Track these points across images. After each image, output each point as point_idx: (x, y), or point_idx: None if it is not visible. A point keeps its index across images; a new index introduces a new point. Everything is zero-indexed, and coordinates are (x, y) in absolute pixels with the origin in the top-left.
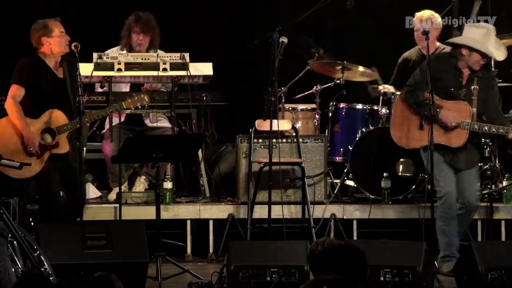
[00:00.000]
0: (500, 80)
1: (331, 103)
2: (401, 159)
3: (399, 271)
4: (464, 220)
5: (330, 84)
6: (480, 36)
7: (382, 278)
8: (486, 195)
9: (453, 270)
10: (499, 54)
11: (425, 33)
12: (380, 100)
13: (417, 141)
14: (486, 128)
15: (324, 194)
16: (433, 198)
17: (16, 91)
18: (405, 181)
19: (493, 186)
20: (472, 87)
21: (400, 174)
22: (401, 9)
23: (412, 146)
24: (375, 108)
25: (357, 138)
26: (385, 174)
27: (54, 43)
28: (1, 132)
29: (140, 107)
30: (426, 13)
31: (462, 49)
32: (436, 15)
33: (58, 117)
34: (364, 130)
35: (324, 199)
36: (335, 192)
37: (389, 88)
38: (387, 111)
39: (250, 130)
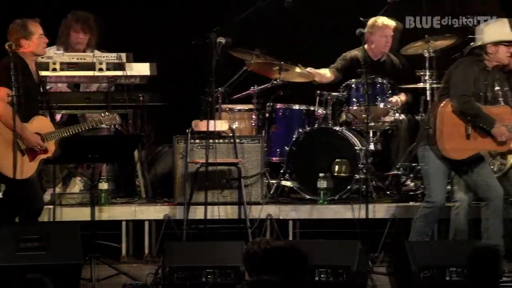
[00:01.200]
0: (436, 81)
1: (268, 104)
2: (337, 160)
3: (334, 270)
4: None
5: (267, 84)
6: (499, 28)
7: (317, 278)
8: None
9: (387, 269)
10: None
11: (361, 34)
12: (317, 101)
13: (469, 150)
14: None
15: (261, 195)
16: (368, 198)
17: (4, 93)
18: (341, 181)
19: None
20: (495, 89)
21: (335, 174)
22: (348, 10)
23: (464, 156)
24: (312, 108)
25: (294, 139)
26: (321, 175)
27: (33, 46)
28: None
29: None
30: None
31: (487, 48)
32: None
33: (46, 123)
34: (301, 130)
35: (261, 200)
36: (272, 192)
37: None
38: (324, 111)
39: (187, 130)
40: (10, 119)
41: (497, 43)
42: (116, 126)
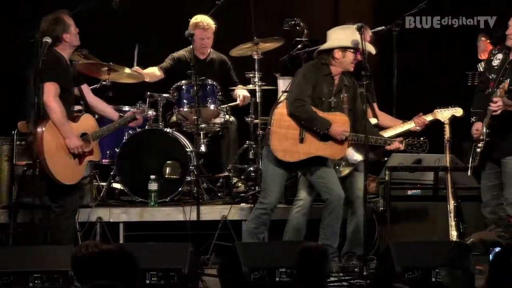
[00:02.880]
0: (265, 83)
1: None
2: (168, 162)
3: (165, 273)
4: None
5: (96, 85)
6: (347, 35)
7: (148, 281)
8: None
9: (218, 271)
10: (371, 48)
11: (190, 35)
12: (147, 102)
13: (301, 154)
14: (365, 139)
15: (91, 197)
16: (199, 200)
17: (55, 89)
18: (172, 184)
19: (257, 187)
20: (341, 95)
21: (167, 176)
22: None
23: (295, 159)
24: None
25: (124, 141)
26: (152, 177)
27: (71, 38)
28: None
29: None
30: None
31: (334, 52)
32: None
33: (91, 121)
34: (131, 132)
35: (90, 203)
36: (102, 195)
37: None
38: (154, 113)
39: (13, 132)
40: (63, 118)
41: (344, 49)
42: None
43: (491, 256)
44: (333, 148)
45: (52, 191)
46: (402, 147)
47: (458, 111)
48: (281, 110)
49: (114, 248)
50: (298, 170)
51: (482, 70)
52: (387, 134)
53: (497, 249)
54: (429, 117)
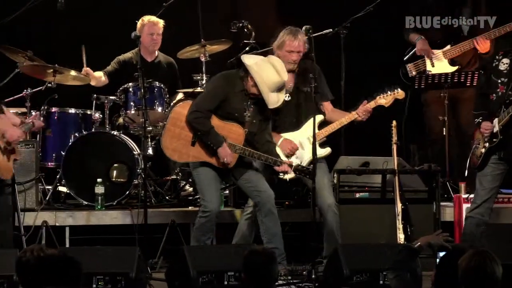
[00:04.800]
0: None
1: (43, 107)
2: (115, 165)
3: (112, 277)
4: None
5: (41, 87)
6: (272, 81)
7: (94, 286)
8: None
9: (166, 275)
10: (273, 101)
11: (137, 37)
12: (93, 105)
13: (190, 156)
14: (255, 156)
15: (36, 201)
16: (146, 203)
17: None
18: (119, 187)
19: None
20: (251, 107)
21: (113, 179)
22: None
23: (183, 160)
24: (89, 112)
25: (70, 143)
26: (98, 180)
27: None
28: None
29: None
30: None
31: (250, 77)
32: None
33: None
34: (77, 135)
35: (36, 206)
36: (47, 198)
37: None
38: (100, 115)
39: None
40: None
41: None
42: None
43: (437, 260)
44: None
45: None
46: (290, 170)
47: (400, 94)
48: (179, 110)
49: (58, 252)
50: (224, 176)
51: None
52: (334, 128)
53: (443, 253)
54: (372, 105)
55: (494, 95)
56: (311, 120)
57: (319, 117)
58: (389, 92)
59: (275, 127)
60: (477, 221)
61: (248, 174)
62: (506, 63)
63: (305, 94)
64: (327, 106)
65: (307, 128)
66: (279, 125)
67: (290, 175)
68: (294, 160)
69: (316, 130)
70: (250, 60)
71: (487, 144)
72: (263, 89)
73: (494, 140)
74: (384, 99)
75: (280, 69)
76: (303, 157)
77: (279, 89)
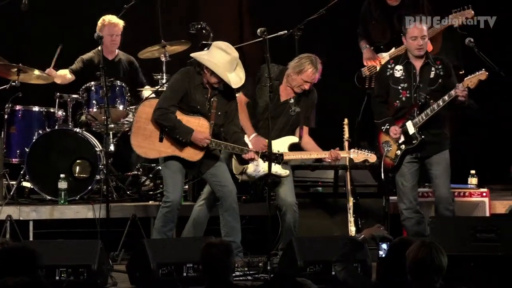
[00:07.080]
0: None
1: (7, 105)
2: (78, 161)
3: (74, 270)
4: None
5: (5, 86)
6: (224, 61)
7: (57, 278)
8: None
9: (127, 267)
10: (236, 81)
11: (99, 37)
12: (56, 103)
13: (159, 152)
14: (222, 146)
15: (0, 196)
16: (108, 198)
17: None
18: (82, 182)
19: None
20: (212, 99)
21: (76, 175)
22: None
23: (154, 156)
24: (52, 110)
25: (34, 140)
26: (61, 176)
27: None
28: None
29: None
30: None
31: (204, 68)
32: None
33: None
34: (40, 132)
35: (0, 201)
36: (12, 193)
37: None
38: (63, 113)
39: None
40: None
41: (213, 72)
42: None
43: (380, 251)
44: (189, 151)
45: None
46: (257, 158)
47: (372, 157)
48: (145, 108)
49: (17, 245)
50: (191, 169)
51: (365, 76)
52: (303, 156)
53: (388, 244)
54: (343, 154)
55: (397, 102)
56: (288, 138)
57: (294, 139)
58: (363, 152)
59: (259, 128)
60: (417, 219)
61: (214, 169)
62: (400, 69)
63: (297, 114)
64: (305, 130)
65: (281, 143)
66: (264, 127)
67: (243, 177)
68: (261, 168)
69: (286, 150)
70: (198, 53)
71: (403, 146)
72: (220, 72)
73: (414, 142)
74: (356, 155)
75: (226, 48)
76: (259, 165)
77: (235, 66)
